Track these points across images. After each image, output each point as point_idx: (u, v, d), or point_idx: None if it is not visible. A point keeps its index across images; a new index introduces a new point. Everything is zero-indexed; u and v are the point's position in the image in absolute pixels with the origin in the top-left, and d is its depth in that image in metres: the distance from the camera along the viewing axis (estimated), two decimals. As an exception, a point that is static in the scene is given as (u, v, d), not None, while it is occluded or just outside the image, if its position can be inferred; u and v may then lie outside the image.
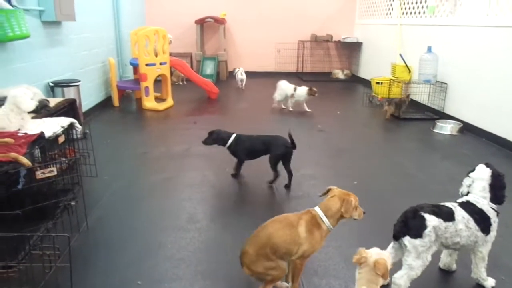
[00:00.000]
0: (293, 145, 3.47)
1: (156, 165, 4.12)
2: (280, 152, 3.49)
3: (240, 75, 8.52)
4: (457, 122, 5.48)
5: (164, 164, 4.07)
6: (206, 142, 3.61)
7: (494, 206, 2.16)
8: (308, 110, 6.45)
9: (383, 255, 1.78)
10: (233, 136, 3.61)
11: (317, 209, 2.05)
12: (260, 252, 1.98)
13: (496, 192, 2.15)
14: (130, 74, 7.66)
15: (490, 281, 2.25)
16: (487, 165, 2.20)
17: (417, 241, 1.99)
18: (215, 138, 3.60)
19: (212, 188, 3.55)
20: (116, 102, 6.67)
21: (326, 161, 4.29)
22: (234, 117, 6.20)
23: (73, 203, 2.86)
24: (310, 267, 2.40)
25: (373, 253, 1.78)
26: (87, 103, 5.79)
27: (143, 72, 6.26)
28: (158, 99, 6.79)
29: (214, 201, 3.33)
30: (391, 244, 2.16)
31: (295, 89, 6.41)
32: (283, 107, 6.63)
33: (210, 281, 2.28)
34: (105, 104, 6.64)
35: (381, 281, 1.75)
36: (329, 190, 2.11)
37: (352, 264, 1.82)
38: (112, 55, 7.08)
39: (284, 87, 6.48)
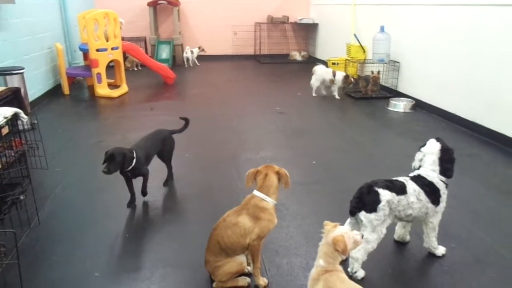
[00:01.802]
0: (186, 124, 3.36)
1: (112, 153, 3.98)
2: (173, 144, 3.33)
3: (191, 53, 9.14)
4: (410, 99, 5.67)
5: (120, 153, 3.93)
6: (109, 170, 2.62)
7: (444, 178, 2.25)
8: (337, 97, 6.22)
9: (345, 232, 1.78)
10: (134, 151, 2.83)
11: (256, 193, 2.03)
12: (217, 259, 2.01)
13: (445, 165, 2.24)
14: (80, 60, 7.31)
15: (441, 249, 2.37)
16: (437, 140, 2.28)
17: (372, 215, 2.06)
18: (121, 160, 2.66)
19: (171, 174, 3.48)
20: (66, 90, 6.36)
21: (285, 142, 4.32)
22: (192, 102, 6.09)
23: (22, 198, 2.72)
24: (272, 247, 2.43)
25: (337, 230, 1.78)
26: (33, 91, 5.48)
27: (94, 57, 5.99)
28: (112, 86, 6.54)
29: (172, 188, 3.28)
30: (348, 220, 2.22)
31: (334, 74, 6.17)
32: (324, 93, 6.35)
33: (171, 269, 2.25)
34: (55, 92, 6.32)
35: (339, 257, 1.79)
36: (256, 172, 2.05)
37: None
38: (59, 40, 6.70)
39: (322, 71, 6.26)
